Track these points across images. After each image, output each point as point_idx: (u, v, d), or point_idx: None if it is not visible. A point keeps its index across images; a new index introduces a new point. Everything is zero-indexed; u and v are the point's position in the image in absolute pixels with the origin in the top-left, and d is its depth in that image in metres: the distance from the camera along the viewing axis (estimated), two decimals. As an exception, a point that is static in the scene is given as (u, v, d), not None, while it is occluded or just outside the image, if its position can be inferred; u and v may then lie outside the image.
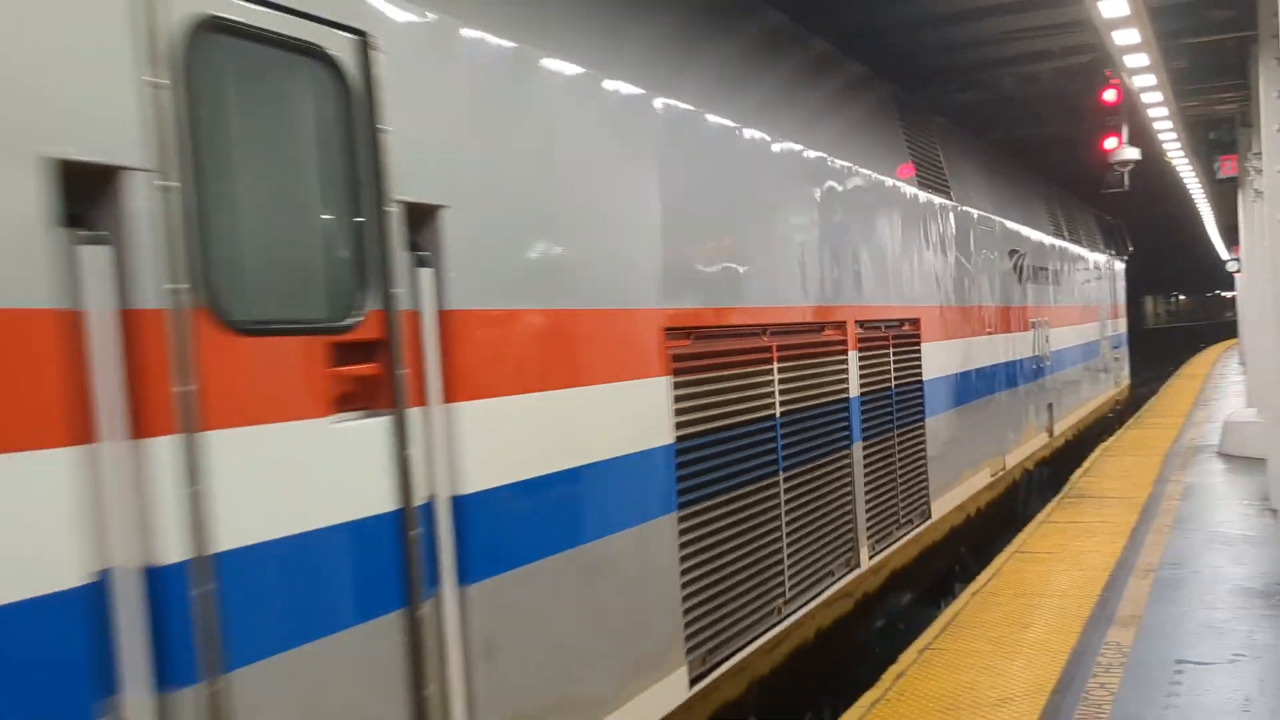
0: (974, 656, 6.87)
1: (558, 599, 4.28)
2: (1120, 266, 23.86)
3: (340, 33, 3.35)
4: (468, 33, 4.03)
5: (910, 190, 9.11)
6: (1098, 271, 20.72)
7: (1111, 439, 18.11)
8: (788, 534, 6.33)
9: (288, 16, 3.18)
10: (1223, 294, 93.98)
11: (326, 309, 3.38)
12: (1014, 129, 22.66)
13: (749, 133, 6.24)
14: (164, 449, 2.76)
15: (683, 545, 5.23)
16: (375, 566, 3.41)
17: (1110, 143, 13.30)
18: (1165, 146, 13.51)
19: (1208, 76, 12.04)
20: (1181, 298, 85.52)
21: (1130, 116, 12.66)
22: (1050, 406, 14.59)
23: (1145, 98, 10.08)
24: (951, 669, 6.66)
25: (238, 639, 2.90)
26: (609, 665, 4.65)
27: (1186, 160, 15.31)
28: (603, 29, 5.10)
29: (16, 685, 2.43)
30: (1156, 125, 11.87)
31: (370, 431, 3.42)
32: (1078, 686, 6.26)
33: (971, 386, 10.64)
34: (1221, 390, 27.10)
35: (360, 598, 3.37)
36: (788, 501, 6.36)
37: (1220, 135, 16.72)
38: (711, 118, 5.83)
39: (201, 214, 2.86)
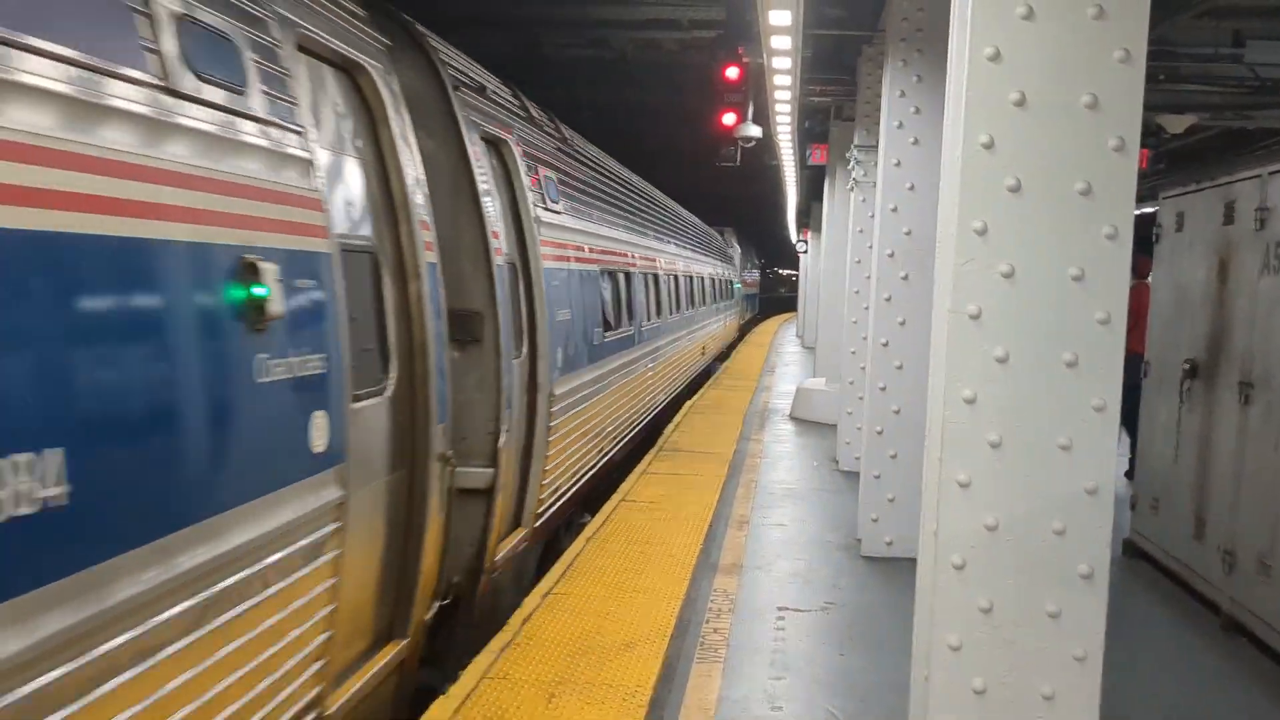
0: (596, 601, 7.03)
1: None
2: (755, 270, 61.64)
3: None
4: None
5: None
6: (753, 270, 57.80)
7: (696, 397, 19.29)
8: None
9: None
10: (780, 271, 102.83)
11: None
12: (623, 91, 23.51)
13: None
14: None
15: None
16: None
17: (729, 118, 14.00)
18: (778, 129, 14.42)
19: (818, 69, 12.95)
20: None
21: (755, 96, 13.39)
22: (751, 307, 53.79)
23: (777, 80, 10.66)
24: (576, 613, 6.76)
25: None
26: None
27: (790, 144, 16.47)
28: None
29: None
30: (778, 108, 12.62)
31: None
32: (694, 631, 6.57)
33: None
34: (784, 359, 29.71)
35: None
36: None
37: (813, 125, 18.20)
38: None
39: None
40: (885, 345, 8.29)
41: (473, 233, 6.80)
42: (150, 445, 3.23)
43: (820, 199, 22.48)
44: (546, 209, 8.56)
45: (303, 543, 4.13)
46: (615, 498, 10.28)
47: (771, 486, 11.18)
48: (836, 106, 15.18)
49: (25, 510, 2.64)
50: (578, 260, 9.64)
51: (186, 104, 3.46)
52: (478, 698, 5.42)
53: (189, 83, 3.50)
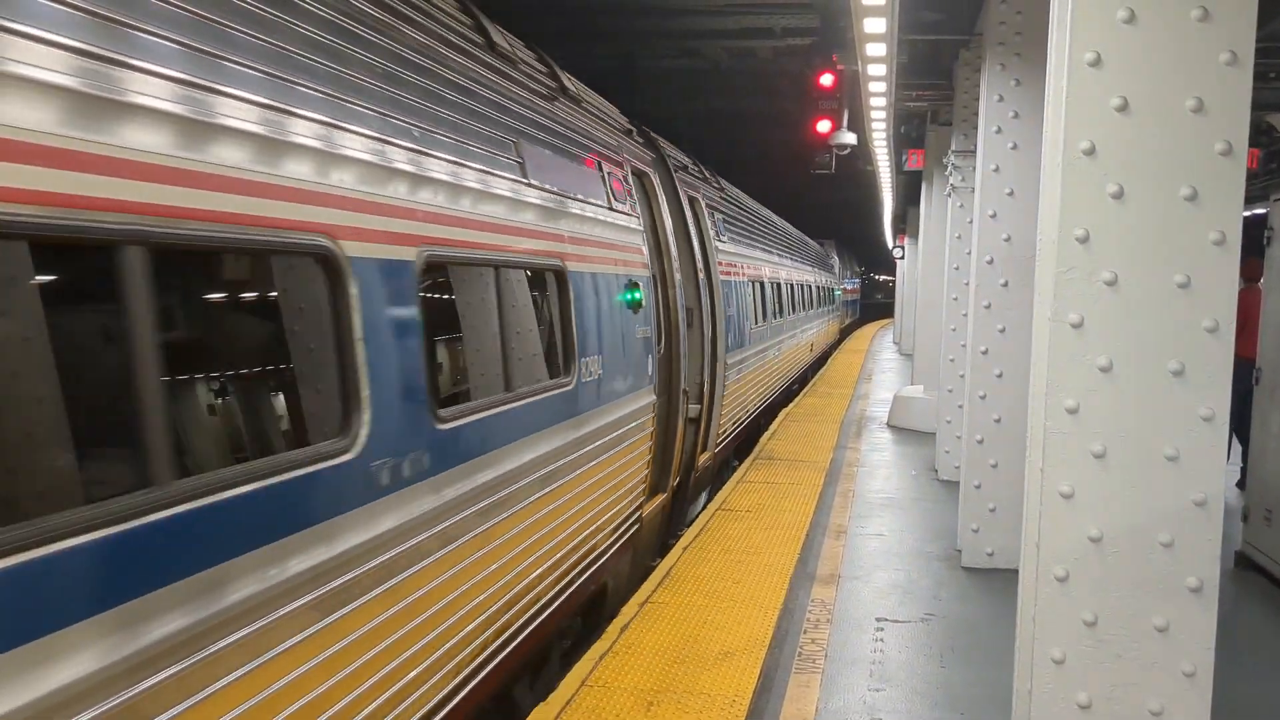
0: (692, 610, 7.06)
1: None
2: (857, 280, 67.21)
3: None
4: None
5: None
6: (857, 280, 66.10)
7: (792, 405, 19.20)
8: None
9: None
10: (876, 276, 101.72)
11: None
12: (717, 100, 23.51)
13: None
14: None
15: None
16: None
17: (823, 125, 13.92)
18: (874, 135, 14.30)
19: (914, 74, 12.81)
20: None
21: (850, 102, 13.30)
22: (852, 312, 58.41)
23: (873, 87, 10.59)
24: (673, 622, 6.80)
25: None
26: None
27: (886, 150, 16.31)
28: None
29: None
30: (873, 115, 12.52)
31: None
32: (792, 641, 6.56)
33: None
34: (881, 366, 29.37)
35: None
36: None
37: (909, 130, 17.98)
38: None
39: None
40: (985, 353, 8.18)
41: (687, 258, 10.66)
42: (621, 357, 7.42)
43: (917, 204, 22.22)
44: (718, 240, 12.85)
45: (646, 417, 8.18)
46: (711, 506, 10.30)
47: (869, 496, 11.08)
48: (933, 111, 14.98)
49: (591, 379, 6.72)
50: (734, 275, 13.87)
51: (614, 213, 7.67)
52: (577, 704, 5.49)
53: (615, 203, 7.71)
